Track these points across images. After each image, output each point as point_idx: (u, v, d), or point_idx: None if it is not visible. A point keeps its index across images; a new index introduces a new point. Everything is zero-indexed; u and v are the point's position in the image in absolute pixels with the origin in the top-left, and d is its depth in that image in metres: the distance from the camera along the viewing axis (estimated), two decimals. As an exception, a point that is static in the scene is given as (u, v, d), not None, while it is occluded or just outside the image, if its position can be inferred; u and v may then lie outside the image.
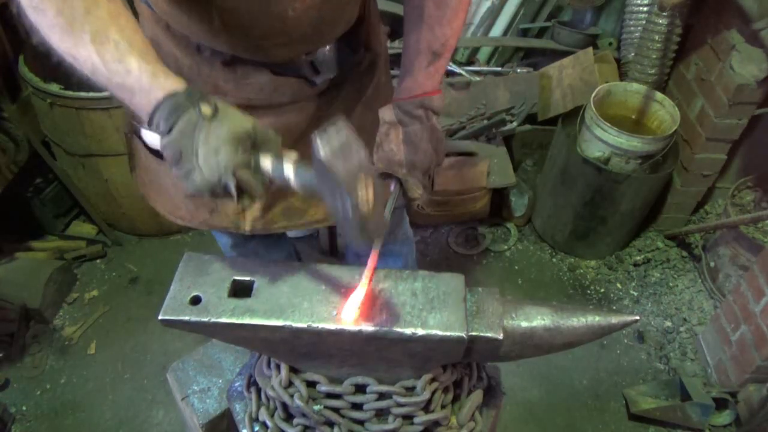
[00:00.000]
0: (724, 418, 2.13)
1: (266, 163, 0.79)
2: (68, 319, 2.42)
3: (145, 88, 0.79)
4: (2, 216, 2.52)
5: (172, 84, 0.80)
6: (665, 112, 2.44)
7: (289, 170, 0.78)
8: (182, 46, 1.09)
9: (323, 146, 0.71)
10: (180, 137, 0.78)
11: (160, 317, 0.87)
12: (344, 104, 1.24)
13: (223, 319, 0.86)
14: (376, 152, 1.14)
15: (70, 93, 2.16)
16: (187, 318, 0.87)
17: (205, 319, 0.86)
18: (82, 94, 2.15)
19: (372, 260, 0.91)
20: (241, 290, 0.91)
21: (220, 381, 1.39)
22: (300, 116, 1.19)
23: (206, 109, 0.78)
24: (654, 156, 2.36)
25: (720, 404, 2.10)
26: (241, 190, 0.79)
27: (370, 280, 0.90)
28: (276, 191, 1.18)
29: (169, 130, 0.78)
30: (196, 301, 0.88)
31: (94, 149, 2.32)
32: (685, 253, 2.76)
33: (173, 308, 0.88)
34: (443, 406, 0.99)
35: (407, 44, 1.12)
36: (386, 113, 1.15)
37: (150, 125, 0.80)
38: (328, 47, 1.15)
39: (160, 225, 2.67)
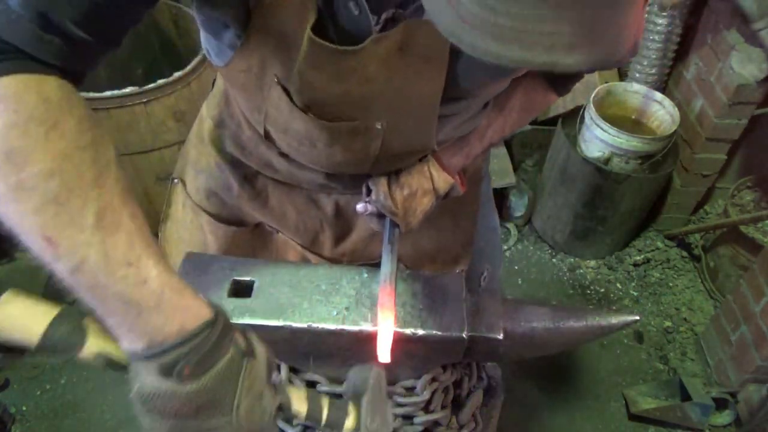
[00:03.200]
0: (724, 418, 2.13)
1: (301, 408, 0.69)
2: (68, 319, 2.41)
3: (168, 307, 0.57)
4: (2, 216, 2.52)
5: (203, 309, 0.59)
6: (665, 112, 2.44)
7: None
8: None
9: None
10: (219, 384, 0.58)
11: (160, 317, 0.87)
12: None
13: (223, 319, 0.86)
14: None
15: (70, 93, 2.15)
16: (187, 318, 0.86)
17: (205, 319, 0.86)
18: (82, 94, 2.15)
19: (386, 298, 0.84)
20: (241, 290, 0.91)
21: (220, 381, 1.39)
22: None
23: (242, 345, 0.62)
24: (654, 156, 2.36)
25: (720, 404, 2.10)
26: None
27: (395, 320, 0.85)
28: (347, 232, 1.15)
29: (201, 373, 0.57)
30: (196, 301, 0.88)
31: (94, 149, 2.31)
32: (685, 253, 2.76)
33: (173, 308, 0.87)
34: (443, 406, 0.99)
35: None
36: None
37: (147, 360, 0.57)
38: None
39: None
